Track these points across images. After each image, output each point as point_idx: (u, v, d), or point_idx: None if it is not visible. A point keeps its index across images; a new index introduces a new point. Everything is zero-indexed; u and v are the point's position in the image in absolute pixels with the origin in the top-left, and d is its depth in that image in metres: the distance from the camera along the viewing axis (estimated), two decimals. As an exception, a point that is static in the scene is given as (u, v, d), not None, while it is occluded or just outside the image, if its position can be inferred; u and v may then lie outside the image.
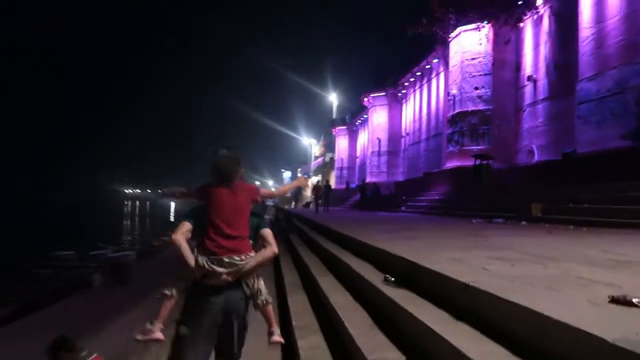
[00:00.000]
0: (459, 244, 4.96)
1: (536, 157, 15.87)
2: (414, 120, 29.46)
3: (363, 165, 39.89)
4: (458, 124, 18.50)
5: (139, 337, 1.94)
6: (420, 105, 28.41)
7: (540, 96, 16.12)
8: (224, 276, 1.96)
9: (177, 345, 1.97)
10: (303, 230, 10.57)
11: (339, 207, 28.87)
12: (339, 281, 4.52)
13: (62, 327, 7.20)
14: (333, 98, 49.54)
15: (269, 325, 2.22)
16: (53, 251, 17.01)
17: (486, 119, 17.74)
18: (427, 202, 18.06)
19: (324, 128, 60.21)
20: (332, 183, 48.00)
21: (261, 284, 2.14)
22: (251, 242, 2.14)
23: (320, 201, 19.70)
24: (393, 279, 3.39)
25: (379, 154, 34.00)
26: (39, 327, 7.71)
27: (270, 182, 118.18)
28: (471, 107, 18.14)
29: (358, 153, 45.23)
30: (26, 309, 9.25)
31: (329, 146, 60.97)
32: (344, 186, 39.29)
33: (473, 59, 18.34)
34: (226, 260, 1.96)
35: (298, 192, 44.02)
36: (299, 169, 77.86)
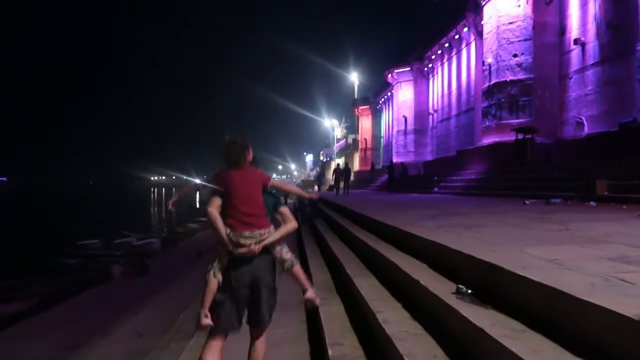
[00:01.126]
0: (537, 234, 3.85)
1: (586, 129, 14.30)
2: (443, 96, 27.81)
3: (389, 145, 38.46)
4: (495, 96, 16.97)
5: (197, 327, 2.17)
6: (449, 79, 26.71)
7: (590, 61, 14.43)
8: (253, 246, 2.13)
9: (214, 310, 2.16)
10: (330, 215, 9.68)
11: (364, 189, 27.79)
12: (383, 284, 3.55)
13: (76, 324, 6.75)
14: (354, 77, 47.82)
15: (301, 285, 2.38)
16: (80, 240, 16.96)
17: (527, 89, 16.17)
18: (463, 182, 16.80)
19: (346, 109, 58.65)
20: (357, 165, 46.89)
21: (284, 251, 2.30)
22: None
23: (342, 184, 19.03)
24: (470, 290, 2.41)
25: (405, 132, 32.50)
26: (55, 323, 7.29)
27: (293, 166, 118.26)
28: (510, 77, 16.56)
29: (382, 133, 43.67)
30: (49, 301, 9.05)
31: (352, 127, 59.56)
32: (369, 168, 38.07)
33: (510, 23, 16.68)
34: (247, 234, 2.13)
35: (321, 175, 43.33)
36: (322, 152, 76.89)
